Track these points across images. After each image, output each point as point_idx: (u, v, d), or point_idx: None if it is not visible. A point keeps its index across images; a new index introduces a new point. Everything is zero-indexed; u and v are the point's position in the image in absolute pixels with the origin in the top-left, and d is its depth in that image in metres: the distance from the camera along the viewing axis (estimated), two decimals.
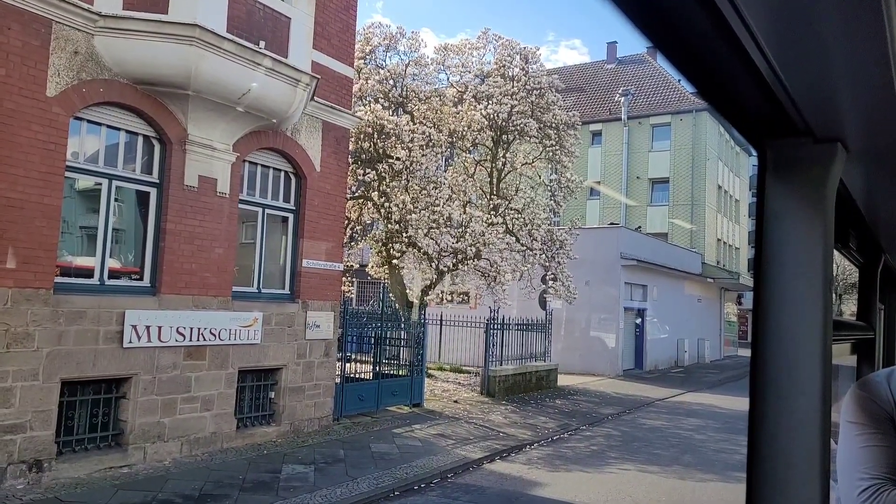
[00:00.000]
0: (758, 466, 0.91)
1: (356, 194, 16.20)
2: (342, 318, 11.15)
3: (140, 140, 8.04)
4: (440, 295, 19.67)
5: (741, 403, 15.91)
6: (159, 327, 7.85)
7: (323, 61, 10.09)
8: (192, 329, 8.25)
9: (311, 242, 10.10)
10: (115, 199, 7.83)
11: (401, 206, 14.52)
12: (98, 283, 7.57)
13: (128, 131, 7.91)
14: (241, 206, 9.13)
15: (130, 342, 7.61)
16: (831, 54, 0.72)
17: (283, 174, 9.92)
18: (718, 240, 34.72)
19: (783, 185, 0.95)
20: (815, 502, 0.88)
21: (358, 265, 21.17)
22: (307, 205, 10.05)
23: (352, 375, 12.35)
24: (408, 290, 16.06)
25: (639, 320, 24.14)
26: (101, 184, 7.65)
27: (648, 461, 10.04)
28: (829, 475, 0.91)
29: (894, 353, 2.75)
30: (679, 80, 34.06)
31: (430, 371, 18.58)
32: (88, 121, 7.50)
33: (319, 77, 9.17)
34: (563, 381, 18.65)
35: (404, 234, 14.74)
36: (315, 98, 9.84)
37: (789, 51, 0.70)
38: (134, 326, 7.64)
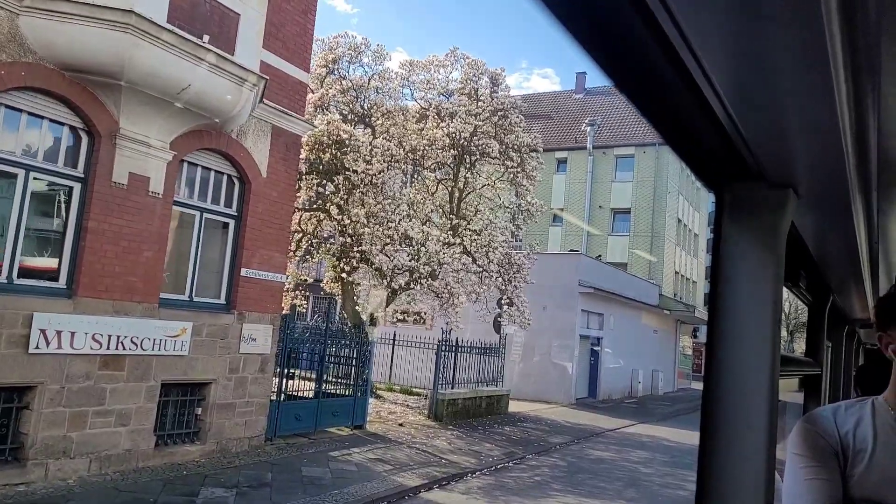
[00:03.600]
0: (706, 496, 0.92)
1: (316, 206, 15.73)
2: (282, 333, 10.61)
3: (65, 131, 7.49)
4: (393, 314, 19.23)
5: (690, 437, 15.77)
6: (72, 333, 7.23)
7: (275, 63, 9.69)
8: (110, 336, 7.64)
9: (253, 251, 9.59)
10: (33, 193, 7.24)
11: (354, 219, 14.10)
12: (5, 281, 6.94)
13: (52, 120, 7.35)
14: (176, 208, 8.61)
15: (38, 348, 6.98)
16: (785, 108, 0.77)
17: (225, 177, 9.43)
18: (676, 272, 35.07)
19: (738, 227, 0.99)
20: None
21: (312, 280, 20.59)
22: (250, 211, 9.56)
23: (294, 393, 11.77)
24: (357, 307, 15.55)
25: (595, 348, 24.01)
26: (16, 175, 7.06)
27: (591, 495, 9.71)
28: None
29: (840, 390, 2.84)
30: None
31: (379, 392, 18.03)
32: (7, 106, 6.94)
33: (268, 78, 8.77)
34: (515, 407, 18.30)
35: (355, 249, 14.30)
36: (265, 101, 9.42)
37: (746, 102, 0.75)
38: (43, 331, 7.01)
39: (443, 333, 15.41)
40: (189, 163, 8.87)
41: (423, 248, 14.61)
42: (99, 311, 7.56)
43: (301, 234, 17.05)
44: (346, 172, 14.57)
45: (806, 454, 1.60)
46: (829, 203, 1.17)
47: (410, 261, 14.56)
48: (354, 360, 12.78)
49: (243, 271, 9.41)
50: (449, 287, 15.77)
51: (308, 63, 10.69)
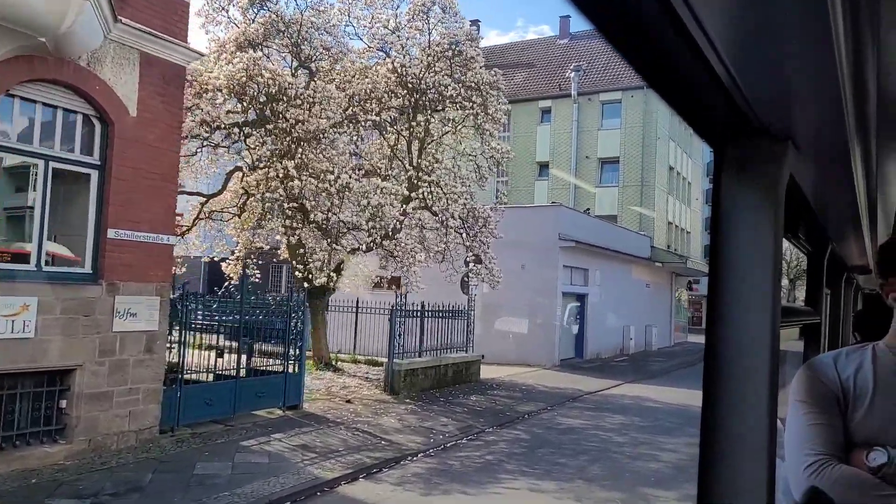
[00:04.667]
0: (709, 445, 0.93)
1: (262, 164, 13.98)
2: (182, 305, 8.97)
3: None
4: (365, 279, 17.66)
5: (677, 395, 14.28)
6: None
7: None
8: None
9: (125, 207, 7.89)
10: None
11: (282, 171, 12.36)
12: None
13: None
14: (4, 154, 6.88)
15: None
16: (785, 61, 0.76)
17: (80, 118, 7.66)
18: (670, 223, 33.24)
19: (738, 182, 0.99)
20: (763, 479, 0.92)
21: (269, 247, 18.90)
22: (117, 158, 7.82)
23: (222, 372, 10.22)
24: (297, 273, 13.87)
25: (580, 306, 22.44)
26: None
27: (547, 474, 8.18)
28: (774, 454, 0.94)
29: (839, 337, 2.80)
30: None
31: (340, 364, 16.56)
32: None
33: None
34: (490, 373, 16.81)
35: (287, 205, 12.60)
36: (124, 20, 7.61)
37: (746, 58, 0.74)
38: None
39: (397, 297, 13.82)
40: (22, 98, 7.09)
41: (368, 202, 12.89)
42: None
43: (246, 196, 15.40)
44: (278, 121, 12.81)
45: (808, 400, 1.64)
46: (828, 152, 1.17)
47: (354, 217, 12.87)
48: (290, 332, 11.19)
49: (111, 232, 7.72)
50: (404, 246, 14.14)
51: None
